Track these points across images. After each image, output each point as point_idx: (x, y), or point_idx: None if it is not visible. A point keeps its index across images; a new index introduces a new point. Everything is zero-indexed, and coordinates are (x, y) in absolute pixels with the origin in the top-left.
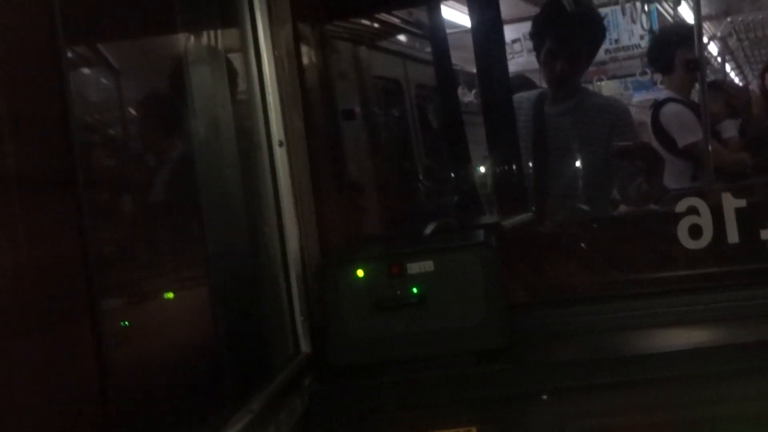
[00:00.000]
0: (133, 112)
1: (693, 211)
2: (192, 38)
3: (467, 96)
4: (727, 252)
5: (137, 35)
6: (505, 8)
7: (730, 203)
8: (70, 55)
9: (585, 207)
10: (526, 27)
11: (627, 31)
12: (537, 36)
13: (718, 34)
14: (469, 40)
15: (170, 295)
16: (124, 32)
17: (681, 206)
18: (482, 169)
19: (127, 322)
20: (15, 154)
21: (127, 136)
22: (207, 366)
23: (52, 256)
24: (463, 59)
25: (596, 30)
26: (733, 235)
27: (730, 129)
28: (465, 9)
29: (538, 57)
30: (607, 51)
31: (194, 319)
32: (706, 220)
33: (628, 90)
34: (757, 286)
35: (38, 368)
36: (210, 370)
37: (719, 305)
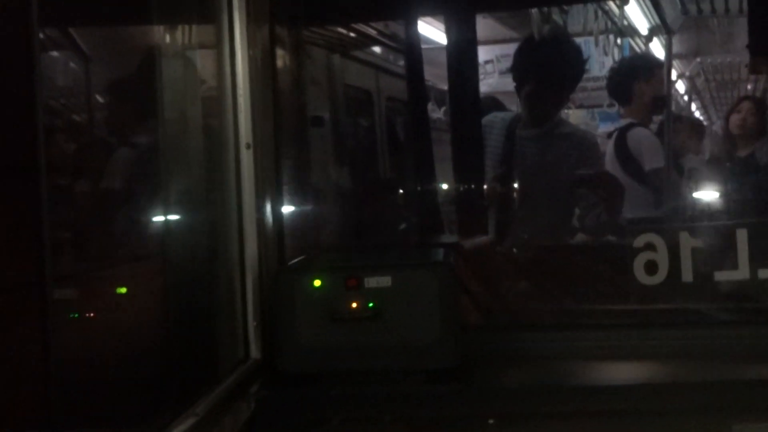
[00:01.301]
0: (100, 99)
1: (650, 247)
2: (167, 32)
3: (436, 113)
4: (681, 290)
5: (111, 24)
6: (480, 29)
7: (687, 242)
8: (42, 37)
9: (545, 233)
10: (499, 49)
11: (598, 63)
12: (518, 68)
13: (687, 73)
14: (442, 57)
15: (123, 290)
16: (98, 20)
17: (639, 242)
18: (446, 187)
19: (76, 314)
20: None
21: (92, 124)
22: (154, 364)
23: (7, 241)
24: (435, 75)
25: (577, 65)
26: (687, 274)
27: (691, 163)
28: (441, 26)
29: (518, 90)
30: None
31: (146, 316)
32: (662, 257)
33: (595, 120)
34: (707, 326)
35: None
36: (157, 368)
37: (670, 342)
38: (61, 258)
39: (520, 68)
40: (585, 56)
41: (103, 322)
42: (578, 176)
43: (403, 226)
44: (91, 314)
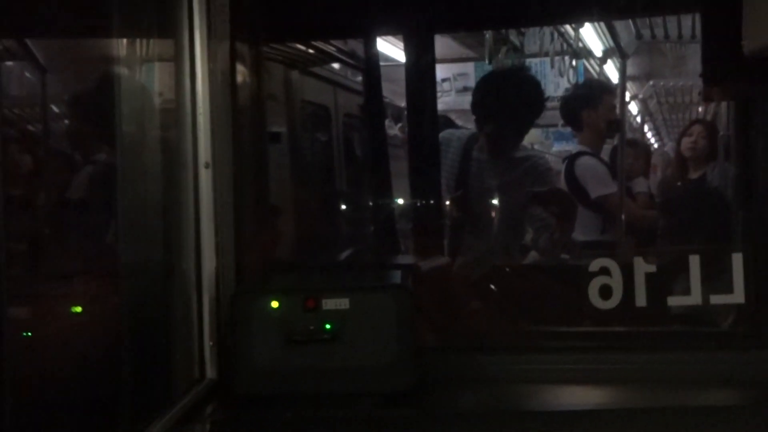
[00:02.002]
0: (55, 110)
1: (605, 271)
2: (127, 46)
3: (392, 129)
4: (634, 315)
5: (69, 35)
6: (437, 48)
7: (641, 267)
8: None
9: (502, 254)
10: (456, 68)
11: (553, 83)
12: (478, 106)
13: (640, 96)
14: (399, 74)
15: (78, 309)
16: (56, 31)
17: (594, 266)
18: (403, 206)
19: (29, 333)
20: None
21: (46, 138)
22: (107, 383)
23: None
24: (392, 92)
25: (537, 102)
26: (641, 299)
27: (641, 186)
28: (400, 44)
29: (477, 125)
30: None
31: (99, 335)
32: (616, 282)
33: (549, 139)
34: (661, 351)
35: None
36: (110, 388)
37: (625, 366)
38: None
39: (480, 106)
40: (544, 89)
41: (56, 340)
42: (532, 195)
43: (361, 244)
44: (44, 333)
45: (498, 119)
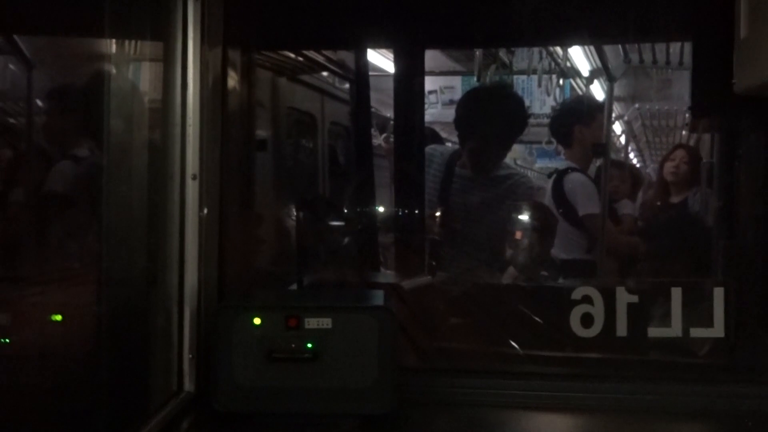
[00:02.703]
0: (41, 107)
1: (587, 300)
2: (118, 47)
3: (377, 139)
4: (615, 344)
5: (59, 33)
6: (426, 59)
7: (624, 298)
8: None
9: (483, 275)
10: (443, 80)
11: (539, 100)
12: (461, 122)
13: (625, 118)
14: (387, 84)
15: (58, 317)
16: (46, 28)
17: (576, 294)
18: (386, 220)
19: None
20: None
21: (29, 133)
22: (82, 394)
23: None
24: (380, 102)
25: (520, 119)
26: (622, 328)
27: (627, 208)
28: (390, 55)
29: (460, 141)
30: None
31: (77, 344)
32: (598, 311)
33: (532, 155)
34: (640, 381)
35: None
36: (86, 399)
37: (604, 396)
38: None
39: (463, 122)
40: (528, 107)
41: (31, 348)
42: (512, 210)
43: (344, 261)
44: (21, 340)
45: (481, 136)
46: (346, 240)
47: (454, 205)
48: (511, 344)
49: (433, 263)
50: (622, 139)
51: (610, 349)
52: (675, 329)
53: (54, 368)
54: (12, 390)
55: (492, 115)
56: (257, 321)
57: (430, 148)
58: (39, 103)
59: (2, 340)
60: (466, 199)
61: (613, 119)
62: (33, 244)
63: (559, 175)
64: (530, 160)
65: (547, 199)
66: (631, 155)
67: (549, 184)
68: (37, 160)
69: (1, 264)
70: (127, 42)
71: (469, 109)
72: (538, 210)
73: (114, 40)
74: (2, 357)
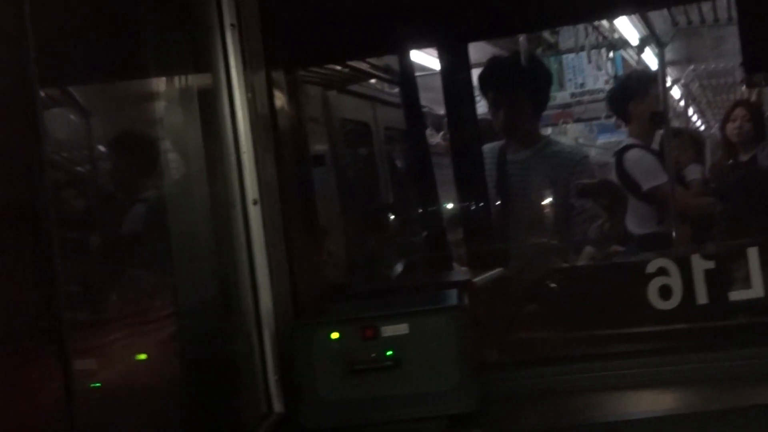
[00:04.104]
0: (103, 161)
1: (663, 272)
2: (164, 86)
3: (434, 138)
4: (697, 313)
5: (107, 80)
6: (473, 52)
7: (700, 265)
8: (43, 95)
9: (553, 258)
10: None
11: (592, 76)
12: (484, 91)
13: (682, 81)
14: (436, 83)
15: (142, 356)
16: (95, 75)
17: (651, 267)
18: (451, 217)
19: (98, 383)
20: None
21: (97, 190)
22: (177, 425)
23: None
24: (432, 100)
25: (542, 79)
26: (702, 296)
27: (693, 173)
28: (435, 52)
29: (492, 116)
30: (572, 95)
31: (164, 378)
32: (675, 281)
33: (593, 132)
34: (727, 348)
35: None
36: (181, 429)
37: (691, 367)
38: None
39: (486, 95)
40: (548, 69)
41: (123, 387)
42: (578, 188)
43: (414, 265)
44: (112, 381)
45: (505, 102)
46: (414, 242)
47: (514, 193)
48: (591, 326)
49: (502, 254)
50: (682, 104)
51: (692, 318)
52: (756, 290)
53: (146, 404)
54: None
55: (510, 81)
56: (335, 335)
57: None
58: (100, 149)
59: (93, 384)
60: (526, 185)
61: (669, 85)
62: (112, 287)
63: (619, 154)
64: (591, 137)
65: (614, 177)
66: (694, 118)
67: (614, 164)
68: (104, 205)
69: (85, 309)
70: (172, 78)
71: (488, 81)
72: (605, 186)
73: (159, 79)
74: (96, 400)
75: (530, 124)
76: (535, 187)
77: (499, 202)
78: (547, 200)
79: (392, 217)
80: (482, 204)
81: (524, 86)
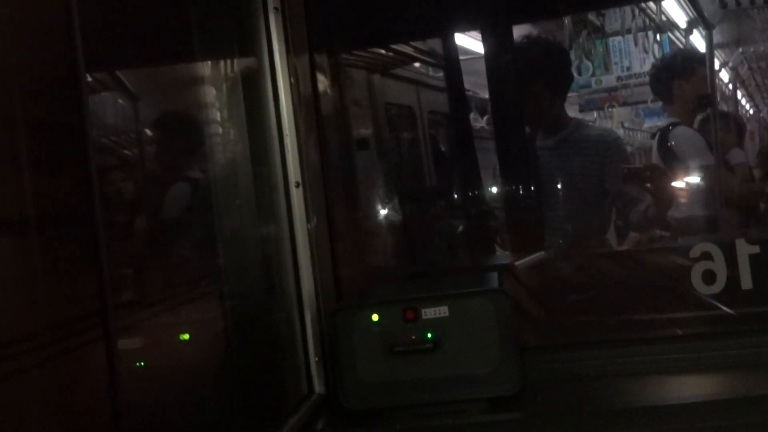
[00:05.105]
0: (149, 145)
1: (707, 256)
2: (209, 70)
3: (479, 122)
4: (741, 298)
5: (153, 64)
6: (517, 34)
7: (744, 249)
8: (90, 80)
9: (593, 242)
10: None
11: (639, 59)
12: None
13: (730, 64)
14: (480, 66)
15: (186, 336)
16: (142, 62)
17: (695, 252)
18: (493, 202)
19: (142, 363)
20: (37, 186)
21: (143, 162)
22: (221, 404)
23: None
24: (475, 84)
25: (561, 63)
26: (746, 281)
27: (738, 157)
28: (479, 36)
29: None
30: (618, 78)
31: (209, 358)
32: (719, 266)
33: (639, 116)
34: None
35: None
36: (224, 408)
37: (736, 352)
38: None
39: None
40: (567, 53)
41: (168, 366)
42: (621, 172)
43: (456, 248)
44: (156, 362)
45: (526, 96)
46: (458, 226)
47: (549, 179)
48: (633, 311)
49: (543, 238)
50: (730, 87)
51: (736, 303)
52: None
53: (190, 383)
54: (156, 406)
55: (526, 69)
56: (375, 317)
57: None
58: (148, 132)
59: (138, 363)
60: (559, 169)
61: (717, 68)
62: (157, 266)
63: (663, 132)
64: (638, 122)
65: (654, 160)
66: (743, 101)
67: (654, 143)
68: (152, 186)
69: (131, 289)
70: (217, 62)
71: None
72: (652, 171)
73: (204, 63)
74: (141, 378)
75: (554, 109)
76: (569, 172)
77: (538, 187)
78: (583, 183)
79: (435, 201)
80: (523, 189)
81: (539, 72)
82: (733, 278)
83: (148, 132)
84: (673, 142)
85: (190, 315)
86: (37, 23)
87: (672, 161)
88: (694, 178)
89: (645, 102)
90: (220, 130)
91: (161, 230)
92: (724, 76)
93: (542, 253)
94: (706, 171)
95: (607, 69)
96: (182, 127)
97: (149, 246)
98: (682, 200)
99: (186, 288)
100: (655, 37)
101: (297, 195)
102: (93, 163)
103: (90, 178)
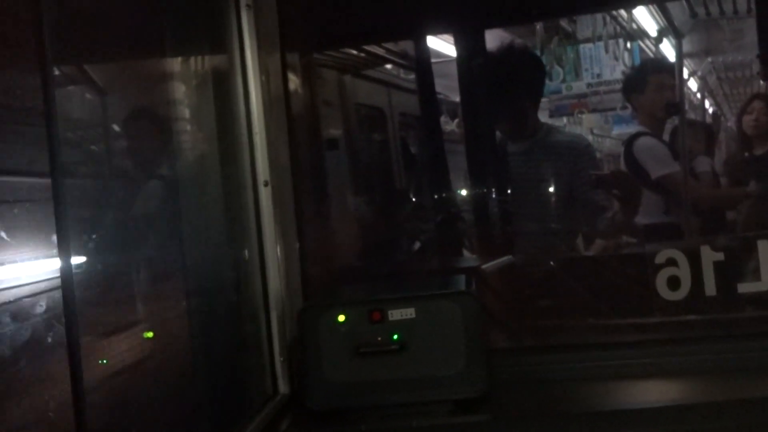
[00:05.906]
0: (115, 139)
1: (672, 263)
2: (178, 66)
3: (450, 125)
4: (704, 304)
5: (122, 58)
6: (490, 39)
7: (709, 256)
8: (57, 73)
9: (561, 247)
10: None
11: (609, 66)
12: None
13: (699, 73)
14: (452, 69)
15: (149, 334)
16: (110, 56)
17: (660, 258)
18: (462, 204)
19: (105, 360)
20: None
21: (110, 168)
22: (184, 404)
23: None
24: (447, 88)
25: (535, 70)
26: (710, 288)
27: (703, 165)
28: (451, 39)
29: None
30: (588, 85)
31: (171, 357)
32: (684, 272)
33: (608, 123)
34: (735, 339)
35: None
36: (187, 408)
37: (699, 358)
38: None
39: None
40: (536, 55)
41: (130, 365)
42: (592, 179)
43: (424, 249)
44: (118, 359)
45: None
46: (427, 228)
47: (520, 183)
48: (598, 316)
49: (511, 242)
50: (699, 96)
51: (700, 310)
52: (766, 283)
53: (152, 383)
54: (117, 406)
55: (501, 73)
56: (341, 318)
57: None
58: (115, 127)
59: (100, 361)
60: (530, 174)
61: (686, 76)
62: (120, 263)
63: (629, 142)
64: (607, 128)
65: (623, 166)
66: (710, 110)
67: (622, 153)
68: (117, 183)
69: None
70: (187, 58)
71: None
72: (619, 178)
73: (174, 59)
74: (103, 377)
75: (526, 114)
76: (539, 178)
77: (507, 192)
78: (552, 189)
79: (404, 202)
80: (493, 192)
81: (512, 76)
82: (697, 284)
83: (115, 127)
84: (636, 152)
85: (153, 313)
86: (4, 17)
87: (637, 170)
88: (655, 188)
89: (614, 109)
90: (189, 127)
91: (124, 227)
92: (693, 85)
93: (509, 257)
94: (669, 179)
95: (577, 75)
96: (149, 123)
97: (112, 243)
98: (648, 207)
99: (150, 286)
100: (625, 44)
101: (265, 194)
102: (59, 159)
103: (55, 173)
